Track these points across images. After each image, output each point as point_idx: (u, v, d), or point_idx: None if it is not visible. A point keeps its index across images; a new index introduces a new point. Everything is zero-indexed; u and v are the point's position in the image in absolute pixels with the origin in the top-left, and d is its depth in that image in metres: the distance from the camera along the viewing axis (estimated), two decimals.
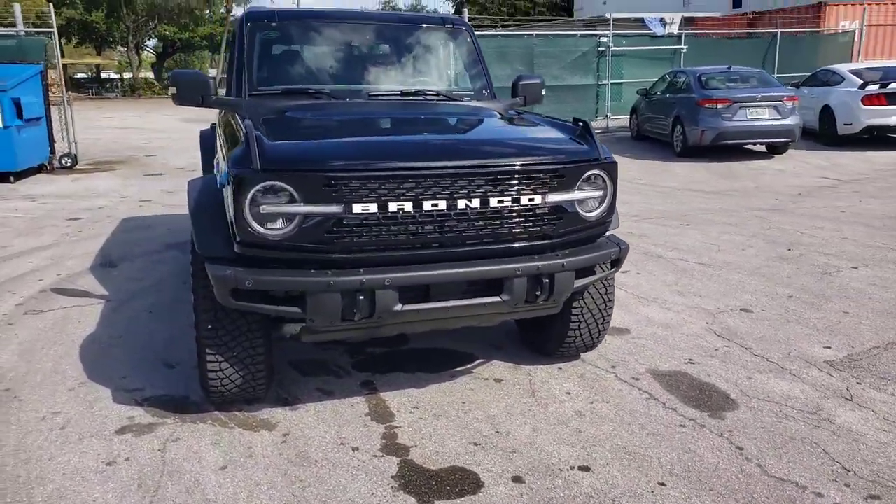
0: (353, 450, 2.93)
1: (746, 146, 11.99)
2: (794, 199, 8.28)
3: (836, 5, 19.14)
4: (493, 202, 2.84)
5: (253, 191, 2.62)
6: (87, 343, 4.11)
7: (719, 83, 11.81)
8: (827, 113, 12.55)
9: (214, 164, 3.78)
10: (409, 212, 2.74)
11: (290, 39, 4.11)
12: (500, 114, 3.82)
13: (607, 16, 16.54)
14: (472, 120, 3.62)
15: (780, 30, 17.02)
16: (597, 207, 3.09)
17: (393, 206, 2.72)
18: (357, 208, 2.68)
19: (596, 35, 15.86)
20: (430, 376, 3.65)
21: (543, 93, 4.31)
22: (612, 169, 3.08)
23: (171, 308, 4.74)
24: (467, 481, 2.70)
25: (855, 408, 3.28)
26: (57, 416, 3.23)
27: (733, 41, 18.34)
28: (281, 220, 2.67)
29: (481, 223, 2.85)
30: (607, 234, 3.29)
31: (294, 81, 3.99)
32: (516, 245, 2.94)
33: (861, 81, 12.11)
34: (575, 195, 2.99)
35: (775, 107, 11.00)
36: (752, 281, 5.19)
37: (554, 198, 2.94)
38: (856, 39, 18.17)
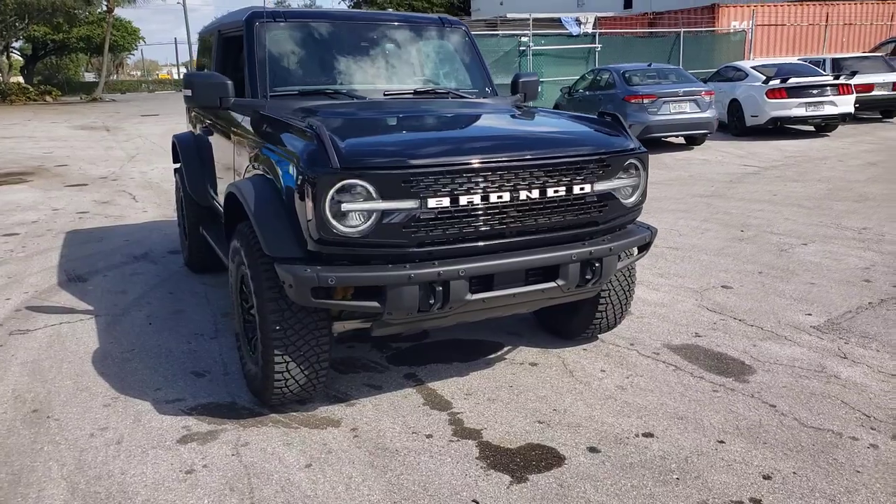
0: (427, 437, 3.02)
1: (668, 139, 12.77)
2: (727, 185, 8.96)
3: (728, 6, 20.66)
4: (550, 192, 3.01)
5: (332, 190, 2.67)
6: (100, 359, 3.95)
7: (641, 79, 12.52)
8: (735, 106, 13.57)
9: (241, 170, 3.71)
10: (478, 204, 2.87)
11: (296, 39, 4.10)
12: (519, 110, 3.99)
13: (525, 16, 17.14)
14: (509, 116, 3.77)
15: (683, 29, 18.21)
16: (632, 194, 3.32)
17: (463, 200, 2.83)
18: (432, 203, 2.78)
19: (517, 35, 16.38)
20: (467, 365, 3.78)
21: (539, 89, 4.52)
22: (645, 158, 3.33)
23: (170, 319, 4.60)
24: (549, 455, 2.86)
25: (851, 364, 3.69)
26: (105, 431, 3.11)
27: (643, 40, 19.43)
28: (357, 216, 2.73)
29: (539, 212, 3.02)
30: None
31: (307, 81, 4.00)
32: (569, 232, 3.12)
33: (764, 77, 13.19)
34: (616, 183, 3.21)
35: (695, 101, 11.80)
36: (722, 260, 5.63)
37: (600, 186, 3.15)
38: (747, 38, 19.73)
